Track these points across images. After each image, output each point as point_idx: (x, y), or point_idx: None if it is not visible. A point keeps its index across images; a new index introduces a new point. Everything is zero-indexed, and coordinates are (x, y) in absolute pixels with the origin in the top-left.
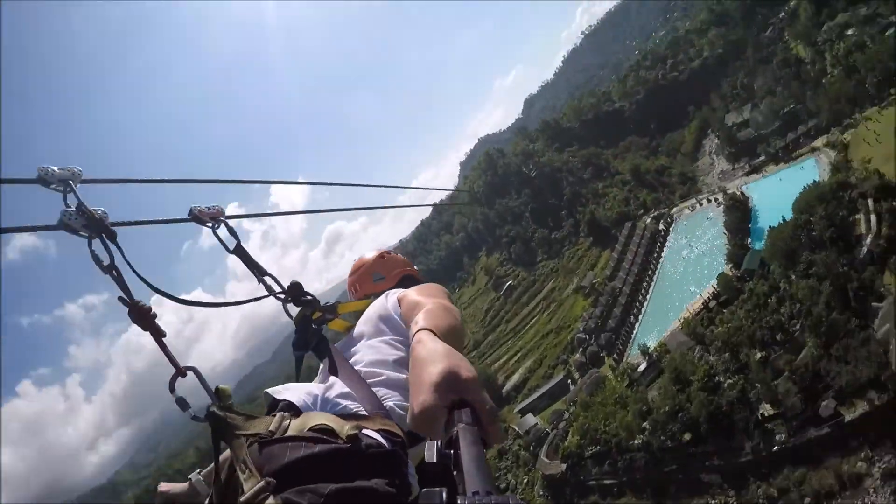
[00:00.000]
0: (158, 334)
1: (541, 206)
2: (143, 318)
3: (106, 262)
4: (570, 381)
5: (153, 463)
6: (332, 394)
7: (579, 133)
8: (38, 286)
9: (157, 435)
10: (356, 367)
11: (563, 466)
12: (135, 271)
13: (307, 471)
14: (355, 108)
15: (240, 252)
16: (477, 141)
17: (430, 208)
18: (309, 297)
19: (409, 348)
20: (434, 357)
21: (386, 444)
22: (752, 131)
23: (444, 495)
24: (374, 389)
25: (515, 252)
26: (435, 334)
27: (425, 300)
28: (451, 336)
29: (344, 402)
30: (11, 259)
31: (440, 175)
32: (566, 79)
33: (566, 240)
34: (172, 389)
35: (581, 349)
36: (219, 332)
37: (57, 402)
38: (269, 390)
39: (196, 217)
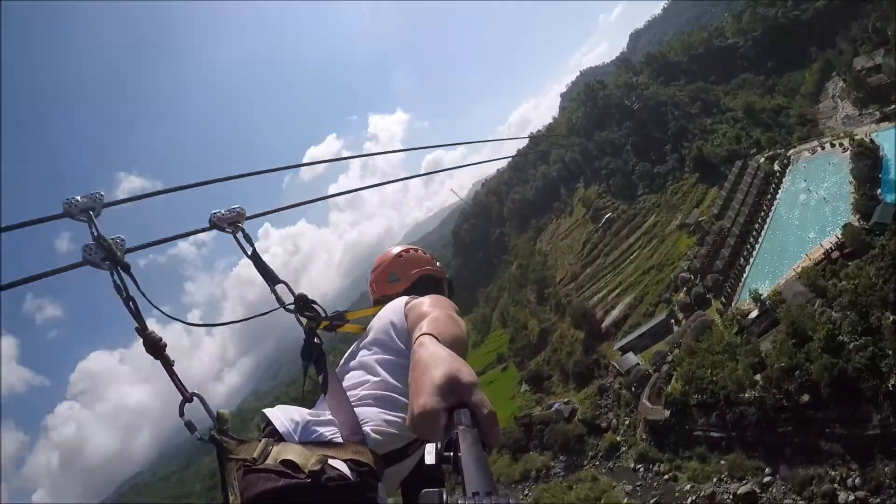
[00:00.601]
0: (167, 363)
1: (643, 139)
2: (154, 347)
3: (125, 292)
4: (672, 321)
5: (274, 390)
6: (313, 420)
7: (687, 67)
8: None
9: (276, 363)
10: (350, 382)
11: (667, 413)
12: (149, 300)
13: (273, 502)
14: (455, 41)
15: (255, 258)
16: (578, 73)
17: (527, 140)
18: (314, 308)
19: (405, 362)
20: (435, 360)
21: (349, 476)
22: (884, 77)
23: (444, 496)
24: (359, 410)
25: (615, 185)
26: (437, 339)
27: (431, 309)
28: (453, 344)
29: (320, 430)
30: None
31: (540, 106)
32: (675, 13)
33: (669, 175)
34: (181, 413)
35: (685, 289)
36: (325, 262)
37: (181, 339)
38: (266, 411)
39: (215, 224)
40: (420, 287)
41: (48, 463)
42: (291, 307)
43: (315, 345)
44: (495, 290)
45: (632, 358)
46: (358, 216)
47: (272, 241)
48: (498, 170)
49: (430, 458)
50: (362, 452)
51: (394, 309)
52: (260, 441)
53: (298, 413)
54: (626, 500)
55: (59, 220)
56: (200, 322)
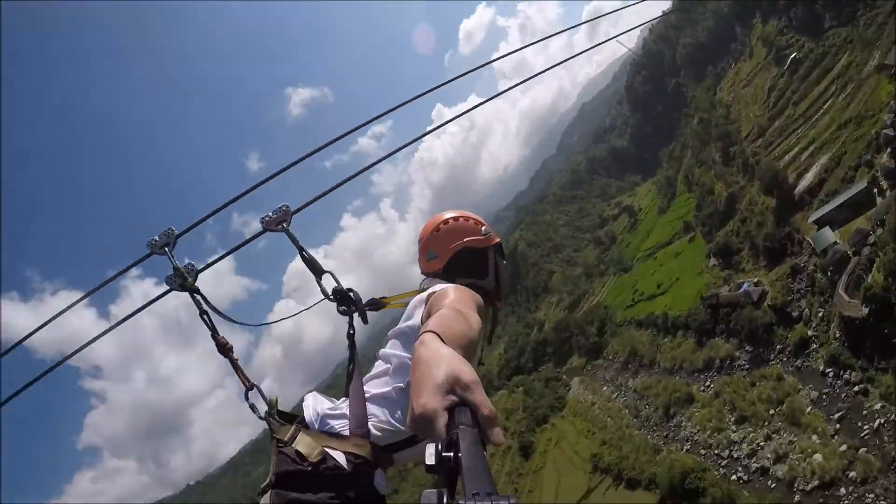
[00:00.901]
0: (233, 361)
1: None
2: (222, 349)
3: (200, 307)
4: (875, 190)
5: None
6: (329, 414)
7: None
8: (325, 130)
9: None
10: (375, 371)
11: (865, 310)
12: (219, 313)
13: (286, 482)
14: None
15: (302, 256)
16: None
17: None
18: (350, 300)
19: None
20: (435, 359)
21: (345, 466)
22: None
23: (444, 496)
24: (370, 406)
25: (797, 17)
26: (440, 338)
27: (445, 305)
28: (458, 342)
29: (332, 423)
30: (296, 114)
31: None
32: None
33: (860, 1)
34: (246, 398)
35: (889, 149)
36: (502, 134)
37: (376, 227)
38: (306, 398)
39: (266, 228)
40: (459, 263)
41: (272, 355)
42: (334, 299)
43: (350, 335)
44: (678, 149)
45: (828, 235)
46: (527, 82)
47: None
48: (663, 11)
49: (430, 459)
50: (362, 446)
51: (417, 301)
52: (293, 425)
53: (321, 405)
54: (809, 409)
55: (148, 257)
56: (251, 323)
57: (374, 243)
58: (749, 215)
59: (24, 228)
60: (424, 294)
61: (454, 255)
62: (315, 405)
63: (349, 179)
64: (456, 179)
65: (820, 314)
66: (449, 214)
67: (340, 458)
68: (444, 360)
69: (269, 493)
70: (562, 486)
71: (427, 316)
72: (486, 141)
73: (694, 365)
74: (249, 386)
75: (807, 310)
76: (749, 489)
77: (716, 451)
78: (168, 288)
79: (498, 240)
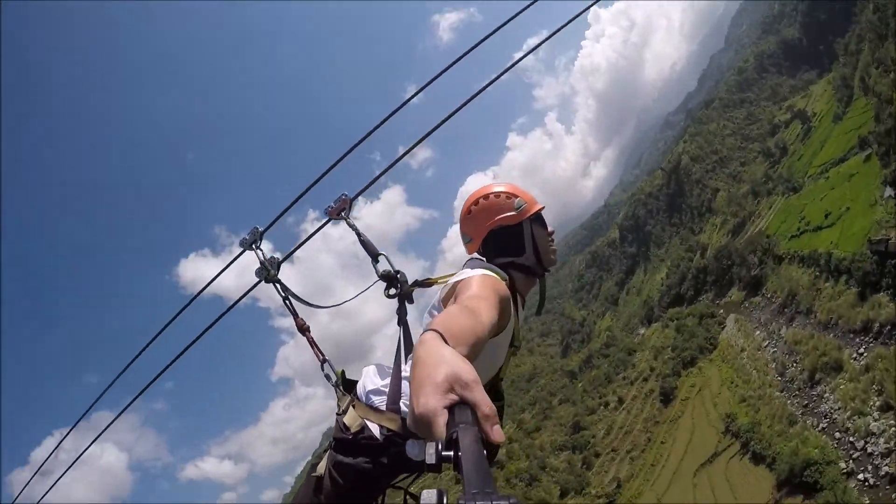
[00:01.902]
0: (310, 340)
1: None
2: (300, 329)
3: (284, 294)
4: None
5: (637, 179)
6: (373, 389)
7: None
8: (476, 51)
9: (638, 149)
10: (409, 354)
11: None
12: (299, 300)
13: (337, 446)
14: None
15: (360, 240)
16: None
17: None
18: (398, 282)
19: None
20: (436, 359)
21: (378, 437)
22: None
23: (444, 496)
24: (404, 384)
25: None
26: (442, 336)
27: (462, 298)
28: (461, 340)
29: (374, 398)
30: (446, 39)
31: None
32: None
33: None
34: (322, 368)
35: None
36: (665, 30)
37: (542, 143)
38: (366, 370)
39: (330, 217)
40: (494, 243)
41: None
42: (382, 283)
43: (400, 317)
44: (854, 41)
45: None
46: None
47: (605, 23)
48: None
49: (430, 458)
50: (394, 420)
51: (444, 287)
52: (349, 397)
53: (372, 381)
54: None
55: (241, 255)
56: (323, 304)
57: (542, 159)
58: None
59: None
60: (451, 281)
61: (488, 235)
62: (365, 381)
63: (391, 166)
64: (621, 84)
65: None
66: (483, 192)
67: (375, 429)
68: (443, 360)
69: (328, 453)
70: (692, 443)
71: (451, 303)
72: (648, 40)
73: (850, 323)
74: (322, 360)
75: None
76: (871, 496)
77: (850, 439)
78: (257, 280)
79: (536, 208)
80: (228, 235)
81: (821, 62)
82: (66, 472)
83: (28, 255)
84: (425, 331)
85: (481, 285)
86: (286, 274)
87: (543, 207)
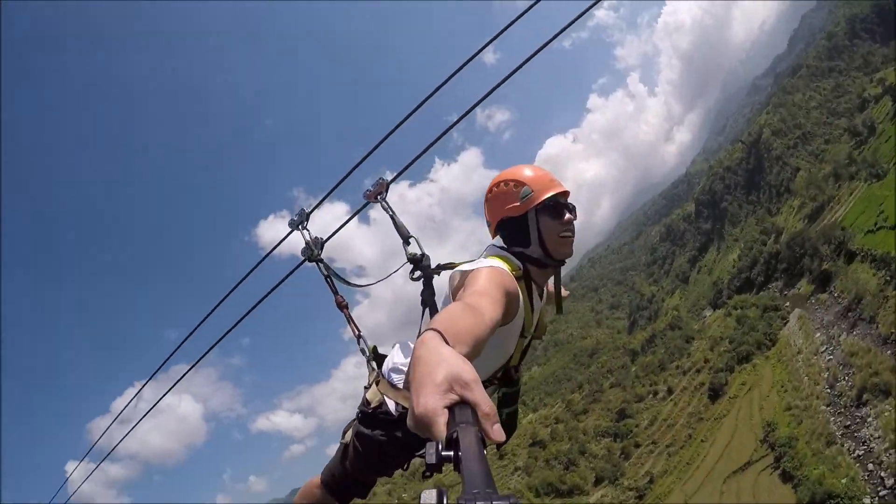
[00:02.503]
0: (349, 318)
1: None
2: (339, 306)
3: (326, 272)
4: None
5: (720, 148)
6: (394, 368)
7: None
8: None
9: (723, 114)
10: None
11: None
12: (339, 278)
13: (360, 418)
14: None
15: (395, 224)
16: None
17: None
18: (424, 266)
19: None
20: (435, 358)
21: (394, 412)
22: None
23: (444, 496)
24: None
25: None
26: (442, 336)
27: (467, 293)
28: (461, 339)
29: (394, 377)
30: None
31: None
32: None
33: None
34: (358, 343)
35: None
36: None
37: (624, 105)
38: (393, 349)
39: (368, 200)
40: (505, 233)
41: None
42: (412, 265)
43: (424, 298)
44: None
45: None
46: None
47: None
48: None
49: (430, 458)
50: (408, 398)
51: (455, 277)
52: (375, 372)
53: (396, 359)
54: None
55: (290, 234)
56: (362, 283)
57: (624, 122)
58: None
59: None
60: (463, 269)
61: (497, 226)
62: (390, 360)
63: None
64: (707, 44)
65: None
66: (498, 179)
67: (392, 406)
68: (443, 359)
69: (353, 423)
70: (730, 446)
71: (459, 295)
72: None
73: None
74: (357, 335)
75: None
76: None
77: (882, 474)
78: (302, 258)
79: (544, 197)
80: (307, 198)
81: None
82: (141, 419)
83: (116, 213)
84: (426, 330)
85: (487, 280)
86: (329, 254)
87: (563, 192)
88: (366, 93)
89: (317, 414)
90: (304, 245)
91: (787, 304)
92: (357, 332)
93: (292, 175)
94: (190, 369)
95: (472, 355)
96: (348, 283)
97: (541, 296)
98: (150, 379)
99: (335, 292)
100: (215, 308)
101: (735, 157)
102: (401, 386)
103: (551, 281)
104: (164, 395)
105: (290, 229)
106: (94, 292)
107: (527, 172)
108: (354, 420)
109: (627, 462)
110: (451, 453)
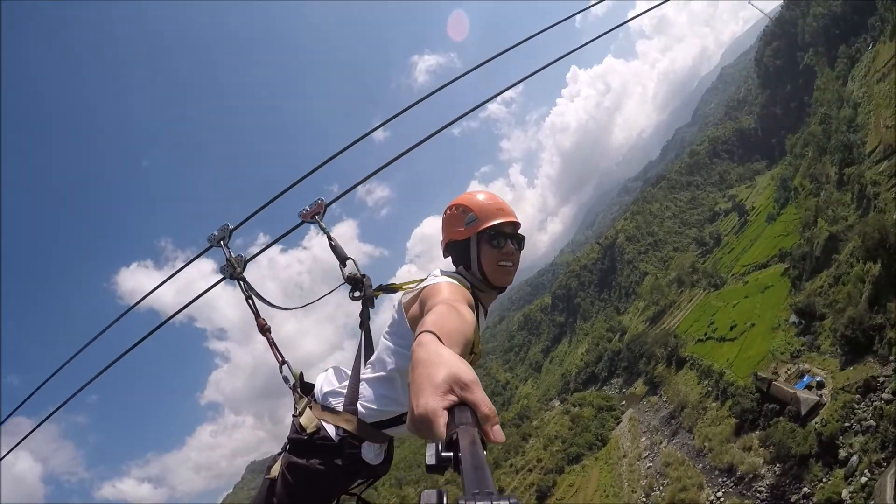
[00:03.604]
0: (270, 341)
1: None
2: (261, 329)
3: (247, 293)
4: None
5: (589, 240)
6: (330, 392)
7: None
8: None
9: (594, 210)
10: (376, 351)
11: None
12: (262, 299)
13: (291, 448)
14: None
15: (331, 245)
16: None
17: None
18: (362, 286)
19: (404, 349)
20: (435, 359)
21: (333, 437)
22: None
23: (444, 496)
24: (362, 387)
25: None
26: (438, 337)
27: (437, 301)
28: (454, 339)
29: (331, 400)
30: (421, 80)
31: None
32: None
33: None
34: (280, 371)
35: None
36: (639, 97)
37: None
38: (324, 373)
39: (303, 220)
40: (453, 255)
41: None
42: (348, 286)
43: (362, 320)
44: (799, 145)
45: None
46: (667, 41)
47: (582, 84)
48: None
49: (430, 459)
50: (350, 421)
51: (409, 293)
52: (307, 398)
53: (329, 383)
54: None
55: (208, 250)
56: (284, 306)
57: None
58: (845, 276)
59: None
60: (419, 287)
61: (446, 248)
62: (323, 383)
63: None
64: (588, 145)
65: (866, 476)
66: (453, 203)
67: (331, 430)
68: (442, 361)
69: (282, 455)
70: None
71: (419, 311)
72: (621, 105)
73: (718, 461)
74: (282, 362)
75: (857, 456)
76: None
77: None
78: (221, 276)
79: (487, 225)
80: (174, 249)
81: (771, 154)
82: None
83: None
84: (420, 332)
85: (451, 290)
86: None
87: (506, 221)
88: (257, 148)
89: (168, 484)
90: (224, 262)
91: (623, 402)
92: (281, 359)
93: (163, 224)
94: (37, 427)
95: (463, 356)
96: (272, 305)
97: (485, 316)
98: None
99: (257, 315)
100: (72, 358)
101: (592, 256)
102: (341, 408)
103: None
104: (8, 454)
105: (208, 244)
106: None
107: (478, 198)
108: (282, 452)
109: None
110: (451, 454)
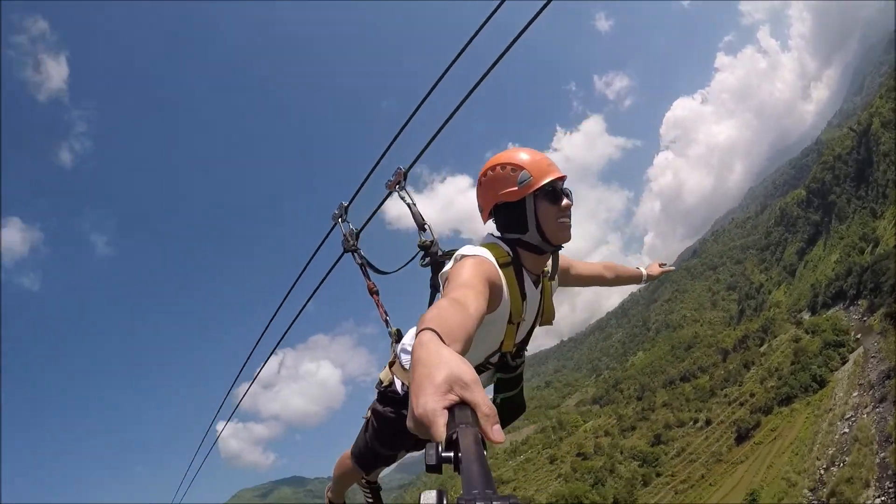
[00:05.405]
0: (378, 304)
1: None
2: (370, 291)
3: (362, 260)
4: None
5: (854, 113)
6: (404, 346)
7: None
8: None
9: (861, 71)
10: None
11: None
12: (373, 268)
13: (378, 396)
14: None
15: (412, 211)
16: None
17: None
18: (432, 252)
19: None
20: (434, 359)
21: (400, 391)
22: None
23: (444, 496)
24: None
25: None
26: (438, 335)
27: (451, 287)
28: (456, 336)
29: (403, 357)
30: None
31: None
32: None
33: None
34: (389, 333)
35: None
36: None
37: (755, 62)
38: (411, 329)
39: (390, 190)
40: (499, 218)
41: (652, 210)
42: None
43: (432, 284)
44: None
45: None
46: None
47: None
48: None
49: (430, 459)
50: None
51: (448, 265)
52: (394, 353)
53: (404, 341)
54: None
55: (334, 228)
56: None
57: (757, 80)
58: None
59: None
60: (455, 256)
61: (493, 209)
62: (405, 340)
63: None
64: None
65: None
66: (493, 162)
67: (399, 385)
68: (442, 360)
69: (373, 401)
70: (727, 499)
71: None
72: None
73: None
74: (386, 318)
75: None
76: None
77: None
78: (343, 250)
79: (542, 182)
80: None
81: None
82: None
83: None
84: (420, 329)
85: (469, 272)
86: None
87: (561, 177)
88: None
89: None
90: (342, 237)
91: (858, 335)
92: (385, 316)
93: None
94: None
95: (465, 350)
96: (380, 272)
97: (536, 283)
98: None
99: (368, 279)
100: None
101: (846, 144)
102: (407, 367)
103: (585, 267)
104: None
105: (333, 223)
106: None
107: (523, 156)
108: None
109: (644, 489)
110: (451, 454)
